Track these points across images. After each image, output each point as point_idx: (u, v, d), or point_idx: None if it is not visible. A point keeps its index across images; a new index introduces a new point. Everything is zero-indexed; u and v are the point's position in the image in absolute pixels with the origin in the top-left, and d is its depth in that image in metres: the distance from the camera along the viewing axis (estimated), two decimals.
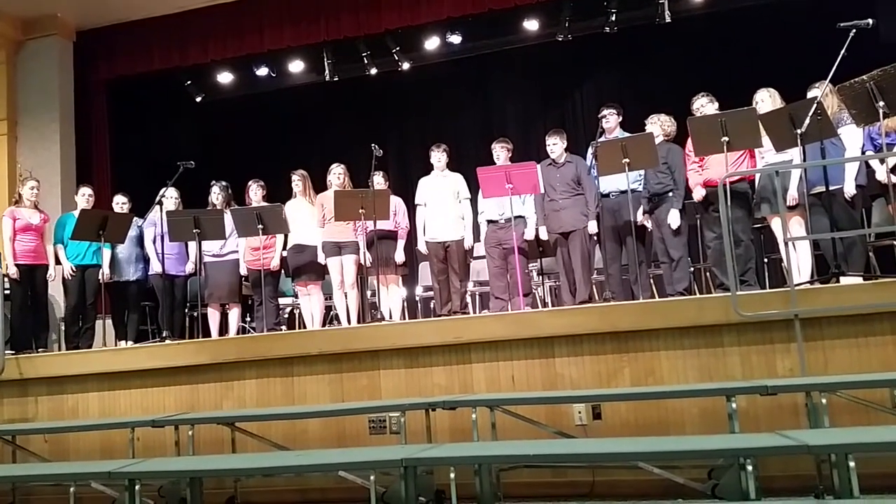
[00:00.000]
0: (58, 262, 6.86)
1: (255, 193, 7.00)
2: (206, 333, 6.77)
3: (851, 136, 5.37)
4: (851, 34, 4.98)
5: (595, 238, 6.40)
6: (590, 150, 6.23)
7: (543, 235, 6.49)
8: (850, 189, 5.33)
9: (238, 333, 6.94)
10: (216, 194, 7.03)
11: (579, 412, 4.73)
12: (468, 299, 7.20)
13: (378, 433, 4.98)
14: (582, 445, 3.95)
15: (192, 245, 6.85)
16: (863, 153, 5.41)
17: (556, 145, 6.47)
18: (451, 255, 6.69)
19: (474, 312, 7.36)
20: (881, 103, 4.84)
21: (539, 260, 6.95)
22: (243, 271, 6.94)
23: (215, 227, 6.55)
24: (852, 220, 5.38)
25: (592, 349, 4.90)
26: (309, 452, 4.62)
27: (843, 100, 5.14)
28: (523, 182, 6.17)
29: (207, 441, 5.12)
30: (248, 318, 7.61)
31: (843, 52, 4.94)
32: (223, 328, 6.92)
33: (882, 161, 5.34)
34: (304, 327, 7.01)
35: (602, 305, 5.57)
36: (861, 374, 4.29)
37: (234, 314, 6.96)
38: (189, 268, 7.05)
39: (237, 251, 6.94)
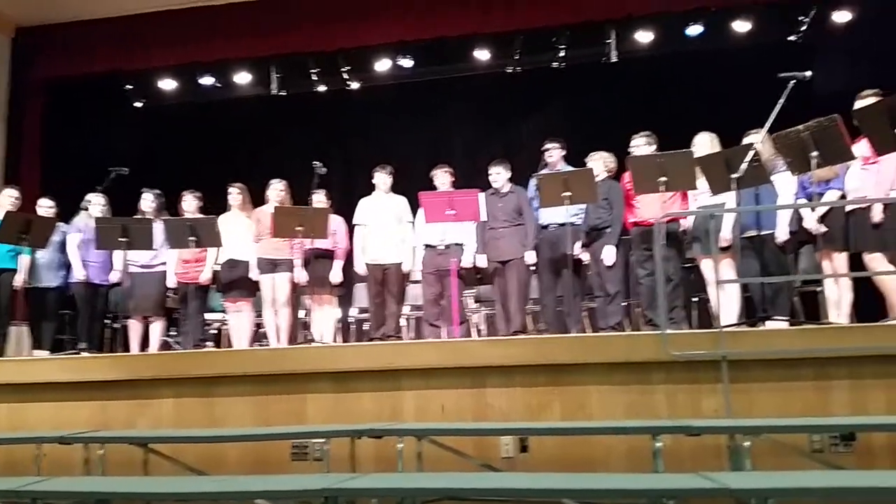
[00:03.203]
0: None
1: (190, 204, 6.80)
2: (127, 346, 6.51)
3: (785, 183, 5.49)
4: (790, 85, 5.13)
5: (532, 269, 6.41)
6: (532, 182, 6.26)
7: (482, 263, 6.47)
8: (782, 235, 5.44)
9: (161, 347, 6.70)
10: (147, 202, 6.80)
11: (506, 445, 4.68)
12: (403, 322, 7.11)
13: (300, 459, 4.83)
14: (508, 480, 3.88)
15: (119, 253, 6.60)
16: (796, 200, 5.55)
17: (499, 175, 6.48)
18: (389, 278, 6.62)
19: (408, 337, 7.27)
20: (814, 153, 4.97)
21: (476, 288, 6.93)
22: (171, 283, 6.71)
23: (143, 237, 6.31)
24: (782, 265, 5.49)
25: (524, 381, 4.84)
26: (226, 478, 4.44)
27: (778, 148, 5.27)
28: (465, 209, 6.14)
29: (118, 461, 4.85)
30: (175, 332, 7.35)
31: (781, 101, 5.08)
32: (145, 341, 6.66)
33: (813, 209, 5.48)
34: (231, 345, 6.80)
35: (536, 337, 5.55)
36: (783, 419, 4.34)
37: (156, 327, 6.70)
38: (114, 277, 6.77)
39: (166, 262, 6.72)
